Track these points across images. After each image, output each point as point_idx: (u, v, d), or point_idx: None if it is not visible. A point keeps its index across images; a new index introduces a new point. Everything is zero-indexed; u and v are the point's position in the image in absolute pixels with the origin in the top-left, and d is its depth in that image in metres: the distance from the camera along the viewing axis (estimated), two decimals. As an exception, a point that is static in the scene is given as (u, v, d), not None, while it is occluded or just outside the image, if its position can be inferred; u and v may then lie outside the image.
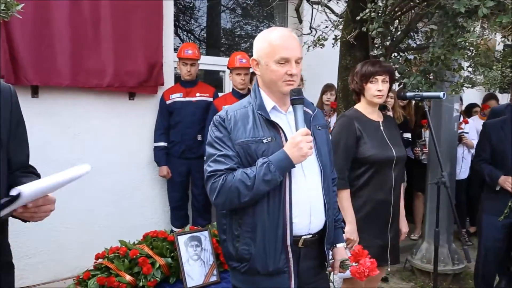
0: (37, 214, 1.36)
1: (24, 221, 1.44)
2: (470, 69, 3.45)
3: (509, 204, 3.21)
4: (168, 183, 4.35)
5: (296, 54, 1.76)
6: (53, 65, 3.64)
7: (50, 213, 1.40)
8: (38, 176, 1.56)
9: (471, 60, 3.38)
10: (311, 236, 1.81)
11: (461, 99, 5.04)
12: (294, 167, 1.71)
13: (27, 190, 1.19)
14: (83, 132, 3.93)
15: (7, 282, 1.53)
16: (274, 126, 1.78)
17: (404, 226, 2.80)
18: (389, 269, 2.74)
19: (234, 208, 1.76)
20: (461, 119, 5.31)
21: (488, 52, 4.00)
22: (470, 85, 3.41)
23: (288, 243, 1.74)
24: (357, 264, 1.95)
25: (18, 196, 1.18)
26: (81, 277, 2.62)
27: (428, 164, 4.52)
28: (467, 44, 2.78)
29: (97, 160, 4.00)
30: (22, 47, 3.49)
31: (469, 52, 3.18)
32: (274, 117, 1.81)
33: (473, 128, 5.42)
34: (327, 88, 5.03)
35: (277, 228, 1.73)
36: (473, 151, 5.03)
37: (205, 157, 1.85)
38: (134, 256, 2.66)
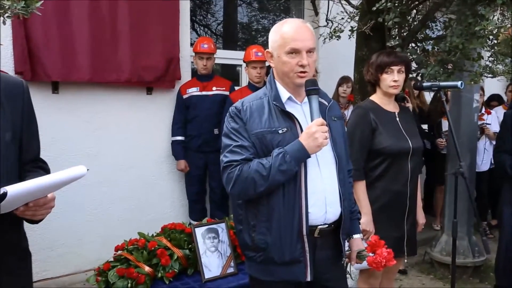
0: (38, 212, 1.40)
1: (28, 221, 1.49)
2: (490, 58, 3.38)
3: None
4: (186, 177, 4.40)
5: (307, 45, 1.75)
6: (73, 61, 3.70)
7: (50, 210, 1.45)
8: (47, 171, 1.60)
9: (491, 49, 3.31)
10: (327, 226, 1.82)
11: (482, 90, 4.94)
12: (309, 157, 1.72)
13: (13, 189, 1.22)
14: (102, 127, 4.00)
15: (24, 268, 1.58)
16: (289, 117, 1.79)
17: (421, 218, 2.77)
18: (406, 260, 2.73)
19: (250, 198, 1.78)
20: (483, 110, 5.22)
21: (510, 41, 3.91)
22: (491, 75, 3.34)
23: (304, 232, 1.75)
24: (373, 254, 1.95)
25: (3, 195, 1.21)
26: (101, 268, 2.67)
27: (448, 155, 4.45)
28: (486, 32, 2.72)
29: (115, 155, 4.07)
30: (42, 44, 3.55)
31: (488, 41, 3.12)
32: (289, 107, 1.81)
33: (495, 119, 5.31)
34: (343, 80, 5.00)
35: (293, 218, 1.74)
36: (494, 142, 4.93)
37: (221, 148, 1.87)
38: (153, 248, 2.70)
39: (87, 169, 1.34)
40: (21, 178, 1.41)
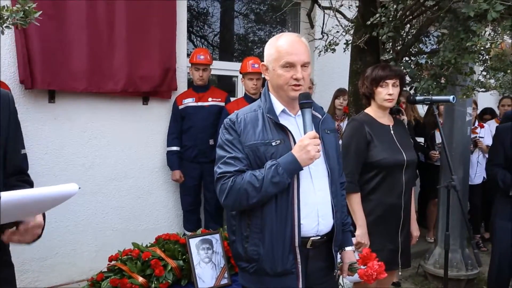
0: (24, 237, 1.38)
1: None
2: (483, 73, 3.43)
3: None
4: (181, 187, 4.40)
5: (301, 59, 1.78)
6: (69, 70, 3.72)
7: (36, 236, 1.42)
8: (31, 184, 1.60)
9: (483, 64, 3.36)
10: (319, 237, 1.83)
11: (475, 104, 4.99)
12: (302, 169, 1.74)
13: (6, 196, 1.20)
14: (98, 136, 4.01)
15: (6, 280, 1.57)
16: (283, 129, 1.81)
17: (415, 230, 2.79)
18: (400, 273, 2.74)
19: (243, 209, 1.79)
20: (476, 123, 5.27)
21: (503, 56, 3.97)
22: (483, 89, 3.39)
23: (296, 244, 1.76)
24: (365, 266, 1.96)
25: None
26: (94, 278, 2.67)
27: (441, 168, 4.48)
28: (477, 48, 2.77)
29: (111, 164, 4.07)
30: (39, 53, 3.56)
31: (480, 56, 3.17)
32: (283, 120, 1.84)
33: (488, 132, 5.36)
34: (340, 92, 5.03)
35: (285, 229, 1.76)
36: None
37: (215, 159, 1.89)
38: (147, 258, 2.70)
39: (79, 187, 1.32)
40: (6, 190, 1.40)
